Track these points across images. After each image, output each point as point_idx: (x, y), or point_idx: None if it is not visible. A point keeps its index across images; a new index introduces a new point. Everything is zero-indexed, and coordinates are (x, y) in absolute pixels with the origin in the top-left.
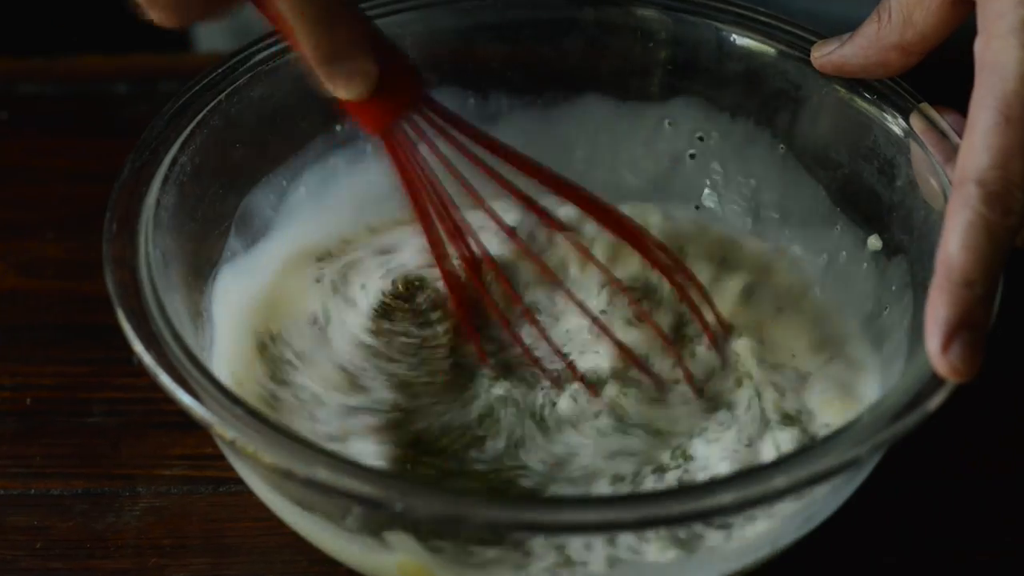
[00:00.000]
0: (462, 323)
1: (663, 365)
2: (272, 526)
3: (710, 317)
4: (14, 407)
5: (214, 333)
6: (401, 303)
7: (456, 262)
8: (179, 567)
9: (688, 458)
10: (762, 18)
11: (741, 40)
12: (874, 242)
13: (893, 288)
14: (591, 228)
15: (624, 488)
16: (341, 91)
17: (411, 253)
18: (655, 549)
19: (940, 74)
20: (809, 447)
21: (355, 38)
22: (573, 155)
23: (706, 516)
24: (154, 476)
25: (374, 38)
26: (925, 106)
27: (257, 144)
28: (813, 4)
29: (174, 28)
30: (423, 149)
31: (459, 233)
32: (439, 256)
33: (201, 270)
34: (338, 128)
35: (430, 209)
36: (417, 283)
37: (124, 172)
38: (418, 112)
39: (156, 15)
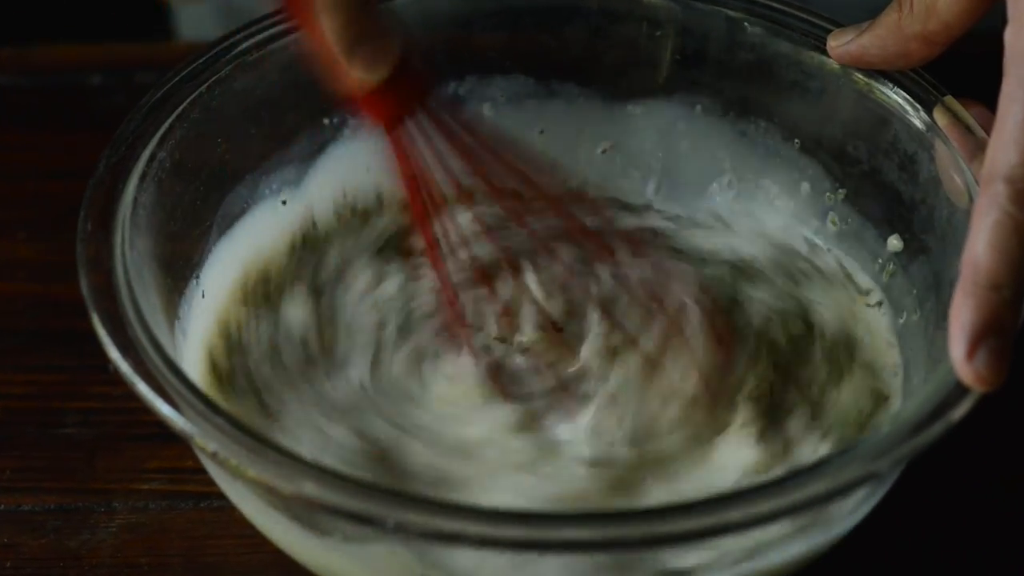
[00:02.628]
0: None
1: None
2: (256, 543)
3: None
4: None
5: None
6: None
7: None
8: None
9: None
10: (775, 5)
11: (753, 29)
12: (895, 242)
13: (914, 291)
14: None
15: None
16: (360, 73)
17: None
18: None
19: (966, 65)
20: (825, 460)
21: (377, 17)
22: (575, 151)
23: (713, 534)
24: (131, 491)
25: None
26: (949, 99)
27: (240, 139)
28: None
29: None
30: (423, 146)
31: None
32: (431, 247)
33: (181, 272)
34: (326, 122)
35: (426, 205)
36: None
37: (99, 168)
38: (425, 109)
39: None
